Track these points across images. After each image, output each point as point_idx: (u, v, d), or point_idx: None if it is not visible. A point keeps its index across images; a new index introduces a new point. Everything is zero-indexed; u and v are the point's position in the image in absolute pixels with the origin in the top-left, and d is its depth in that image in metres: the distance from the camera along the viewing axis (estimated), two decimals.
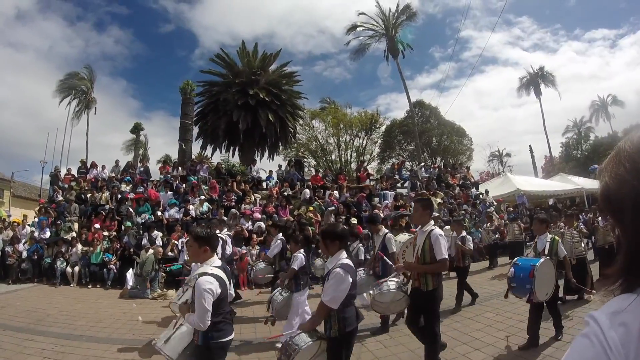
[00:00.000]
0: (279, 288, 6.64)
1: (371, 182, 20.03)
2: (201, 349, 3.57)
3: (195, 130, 26.87)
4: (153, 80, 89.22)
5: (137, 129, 48.54)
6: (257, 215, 15.08)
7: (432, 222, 5.25)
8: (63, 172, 19.90)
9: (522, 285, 5.50)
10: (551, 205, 23.76)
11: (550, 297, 5.62)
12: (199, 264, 3.77)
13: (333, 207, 15.83)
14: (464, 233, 9.35)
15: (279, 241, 8.38)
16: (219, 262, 3.81)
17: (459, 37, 72.88)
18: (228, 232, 9.87)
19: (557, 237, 6.09)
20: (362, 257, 10.88)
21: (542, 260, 5.56)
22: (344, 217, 15.03)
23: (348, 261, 3.85)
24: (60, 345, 6.51)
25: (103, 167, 19.64)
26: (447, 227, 13.90)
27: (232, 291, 3.96)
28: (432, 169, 23.68)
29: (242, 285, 11.82)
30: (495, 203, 20.24)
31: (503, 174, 34.19)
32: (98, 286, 12.37)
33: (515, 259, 6.14)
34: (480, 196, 20.64)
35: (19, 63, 78.60)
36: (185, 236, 12.21)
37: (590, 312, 0.87)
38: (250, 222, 14.58)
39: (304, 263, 6.64)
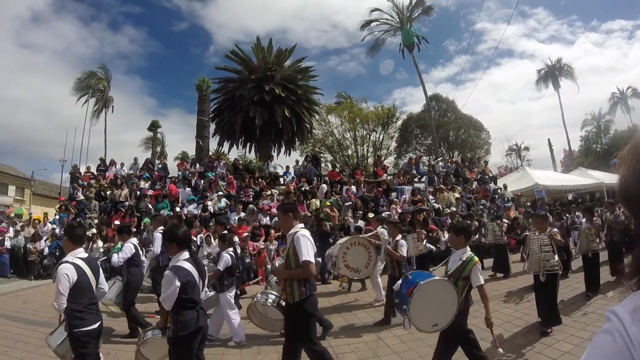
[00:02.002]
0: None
1: (388, 177, 19.91)
2: (68, 336, 4.03)
3: (212, 126, 27.06)
4: (168, 78, 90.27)
5: (154, 126, 49.09)
6: (275, 210, 15.09)
7: (299, 225, 4.62)
8: (82, 170, 20.19)
9: (402, 305, 4.33)
10: (570, 199, 23.41)
11: (447, 328, 4.22)
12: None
13: (350, 202, 15.79)
14: (399, 237, 7.87)
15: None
16: (83, 254, 4.30)
17: (474, 30, 71.87)
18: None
19: (475, 258, 4.44)
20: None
21: (431, 279, 4.29)
22: (361, 212, 14.98)
23: (184, 264, 3.87)
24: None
25: (122, 164, 19.92)
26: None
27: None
28: (449, 164, 23.42)
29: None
30: (514, 197, 20.00)
31: (521, 168, 33.78)
32: None
33: (410, 271, 5.12)
34: (499, 191, 20.37)
35: (36, 64, 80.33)
36: (204, 232, 12.34)
37: (610, 307, 0.86)
38: (268, 218, 14.61)
39: (230, 263, 6.65)
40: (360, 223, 14.08)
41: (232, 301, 6.66)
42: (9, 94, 69.12)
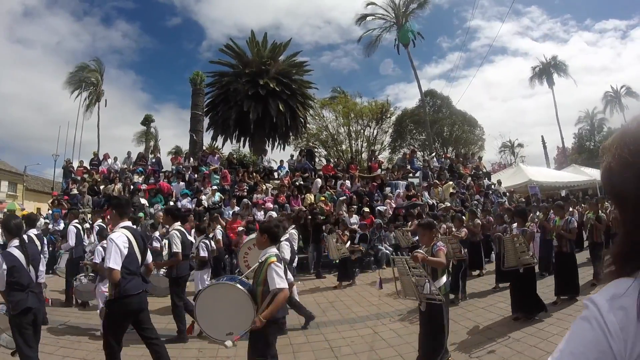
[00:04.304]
0: (82, 274, 7.89)
1: (383, 172, 19.91)
2: None
3: (206, 121, 26.94)
4: (162, 73, 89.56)
5: (147, 120, 48.62)
6: (269, 205, 15.05)
7: (121, 224, 4.66)
8: (75, 164, 20.05)
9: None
10: (563, 196, 23.53)
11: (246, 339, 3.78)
12: None
13: (345, 197, 15.78)
14: (285, 236, 6.95)
15: None
16: None
17: (469, 27, 71.80)
18: (100, 224, 10.30)
19: (271, 258, 3.81)
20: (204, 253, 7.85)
21: (215, 283, 4.00)
22: (355, 206, 14.96)
23: (13, 250, 4.44)
24: (75, 335, 6.56)
25: (115, 158, 19.81)
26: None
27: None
28: (443, 159, 23.49)
29: None
30: (508, 193, 20.05)
31: (515, 164, 33.91)
32: None
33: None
34: (493, 187, 20.43)
35: (28, 59, 79.50)
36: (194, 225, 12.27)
37: (589, 296, 0.87)
38: (262, 212, 14.57)
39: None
40: (355, 218, 14.11)
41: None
42: (1, 89, 68.62)
